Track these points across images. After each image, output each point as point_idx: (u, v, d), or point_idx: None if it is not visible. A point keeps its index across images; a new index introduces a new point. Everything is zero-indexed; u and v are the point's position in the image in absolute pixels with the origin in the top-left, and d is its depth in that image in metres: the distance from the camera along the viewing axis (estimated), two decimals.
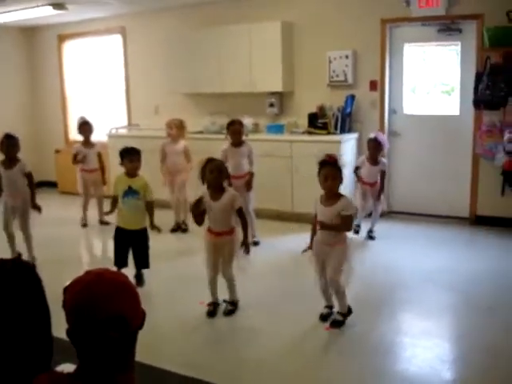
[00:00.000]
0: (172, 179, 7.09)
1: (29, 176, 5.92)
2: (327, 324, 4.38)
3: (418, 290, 5.10)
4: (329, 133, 7.28)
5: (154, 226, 5.33)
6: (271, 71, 7.62)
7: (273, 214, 7.47)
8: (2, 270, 1.69)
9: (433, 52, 7.32)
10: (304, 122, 7.61)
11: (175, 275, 5.64)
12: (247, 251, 4.59)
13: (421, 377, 3.66)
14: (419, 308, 4.78)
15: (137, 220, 5.27)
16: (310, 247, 4.38)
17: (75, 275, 1.63)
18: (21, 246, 6.07)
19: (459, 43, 6.94)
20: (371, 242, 6.57)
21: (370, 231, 6.66)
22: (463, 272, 5.49)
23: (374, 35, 7.21)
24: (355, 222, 6.41)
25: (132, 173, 5.28)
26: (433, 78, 7.38)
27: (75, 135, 7.96)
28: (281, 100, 8.02)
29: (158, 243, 5.67)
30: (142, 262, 5.36)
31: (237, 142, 6.34)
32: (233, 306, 4.70)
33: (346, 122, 7.32)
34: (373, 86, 7.35)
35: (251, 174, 6.38)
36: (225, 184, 4.57)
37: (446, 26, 6.87)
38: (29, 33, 10.20)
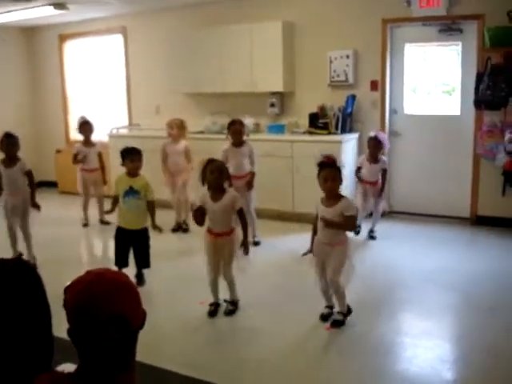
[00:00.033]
0: (173, 179, 7.09)
1: (29, 174, 5.93)
2: (328, 324, 4.38)
3: (419, 290, 5.10)
4: (329, 133, 7.28)
5: (155, 226, 5.34)
6: (272, 71, 7.62)
7: (274, 214, 7.47)
8: (2, 269, 1.69)
9: (434, 52, 7.32)
10: (305, 122, 7.61)
11: (176, 275, 5.64)
12: (246, 252, 4.59)
13: (421, 377, 3.65)
14: (420, 308, 4.78)
15: (138, 220, 5.27)
16: (311, 250, 4.38)
17: (76, 275, 1.63)
18: (20, 245, 6.08)
19: (460, 43, 6.94)
20: (372, 241, 6.57)
21: (371, 231, 6.65)
22: (464, 272, 5.48)
23: (375, 35, 7.21)
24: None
25: (133, 173, 5.28)
26: (433, 78, 7.38)
27: (76, 135, 7.97)
28: (282, 100, 8.02)
29: (158, 243, 5.67)
30: (143, 262, 5.36)
31: (238, 142, 6.34)
32: (233, 306, 4.70)
33: (346, 122, 7.32)
34: (373, 86, 7.35)
35: (252, 174, 6.38)
36: (225, 185, 4.57)
37: (447, 26, 6.87)
38: (30, 33, 10.20)
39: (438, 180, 7.24)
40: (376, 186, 6.51)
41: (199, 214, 4.49)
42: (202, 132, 8.23)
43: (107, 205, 5.96)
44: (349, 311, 4.43)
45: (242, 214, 4.59)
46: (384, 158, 6.55)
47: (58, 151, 10.02)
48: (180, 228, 7.21)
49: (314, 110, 7.50)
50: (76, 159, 7.52)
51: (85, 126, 7.62)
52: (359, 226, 6.53)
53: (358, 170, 6.54)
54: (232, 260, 4.58)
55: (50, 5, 7.49)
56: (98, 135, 8.36)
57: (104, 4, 7.84)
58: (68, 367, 1.70)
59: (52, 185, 10.10)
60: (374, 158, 6.44)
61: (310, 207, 4.49)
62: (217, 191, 4.50)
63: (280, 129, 7.85)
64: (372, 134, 6.52)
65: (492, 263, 5.72)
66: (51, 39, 10.07)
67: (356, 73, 7.43)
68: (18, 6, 7.43)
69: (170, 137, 7.11)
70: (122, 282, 1.62)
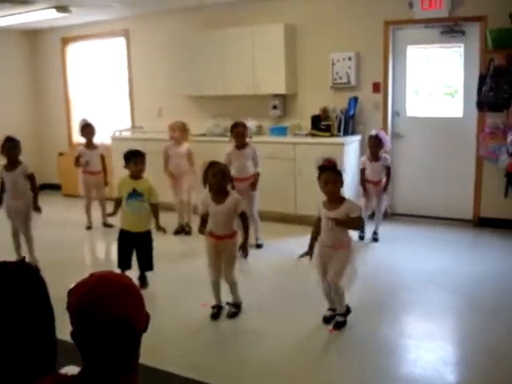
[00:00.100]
0: (175, 182, 7.10)
1: (31, 177, 5.93)
2: (330, 326, 4.38)
3: (421, 292, 5.09)
4: (332, 135, 7.28)
5: (159, 228, 5.35)
6: (274, 73, 7.63)
7: (276, 216, 7.47)
8: (6, 272, 1.70)
9: (436, 54, 7.32)
10: (307, 125, 7.61)
11: (179, 277, 5.65)
12: (245, 255, 4.58)
13: (424, 379, 3.65)
14: (422, 310, 4.78)
15: (141, 222, 5.28)
16: (308, 253, 4.37)
17: (79, 278, 1.64)
18: (23, 248, 6.09)
19: (462, 45, 6.94)
20: (374, 243, 6.57)
21: (375, 233, 6.65)
22: (466, 274, 5.48)
23: (377, 37, 7.21)
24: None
25: (136, 175, 5.29)
26: (436, 80, 7.38)
27: (79, 138, 7.98)
28: (284, 102, 8.03)
29: (161, 245, 5.67)
30: (146, 265, 5.37)
31: (240, 145, 6.35)
32: (236, 309, 4.71)
33: (349, 124, 7.32)
34: (376, 88, 7.35)
35: (257, 175, 6.39)
36: (228, 187, 4.57)
37: (449, 28, 6.86)
38: (32, 36, 10.23)
39: (441, 182, 7.24)
40: (379, 185, 6.51)
41: (203, 228, 4.54)
42: (204, 135, 8.23)
43: (110, 207, 5.97)
44: (348, 310, 4.43)
45: (244, 218, 4.59)
46: (386, 155, 6.55)
47: (61, 154, 10.04)
48: (183, 230, 7.21)
49: (317, 112, 7.50)
50: (78, 162, 7.53)
51: (87, 129, 7.63)
52: (363, 231, 6.56)
53: (363, 171, 6.52)
54: (233, 263, 4.58)
55: (52, 8, 7.51)
56: (101, 138, 8.38)
57: (106, 7, 7.85)
58: (71, 370, 1.70)
59: (55, 187, 10.11)
60: (374, 156, 6.45)
61: (312, 209, 4.49)
62: (219, 194, 4.50)
63: (282, 131, 7.85)
64: (373, 132, 6.54)
65: (495, 265, 5.72)
66: (54, 42, 10.10)
67: (358, 75, 7.43)
68: (21, 9, 7.45)
69: (173, 139, 7.12)
70: (126, 285, 1.63)
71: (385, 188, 6.57)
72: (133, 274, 5.05)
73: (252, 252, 6.09)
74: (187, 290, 5.29)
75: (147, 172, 5.41)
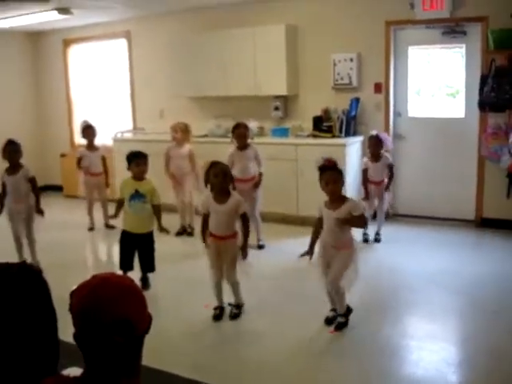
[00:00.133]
0: (177, 183, 7.10)
1: (32, 181, 5.93)
2: (332, 327, 4.38)
3: (423, 293, 5.09)
4: (334, 136, 7.27)
5: (162, 229, 5.36)
6: (276, 74, 7.63)
7: (278, 218, 7.47)
8: (8, 274, 1.70)
9: (437, 54, 7.32)
10: (309, 126, 7.61)
11: (181, 278, 5.65)
12: (244, 256, 4.57)
13: (427, 380, 3.65)
14: (424, 310, 4.77)
15: (143, 224, 5.29)
16: (309, 253, 4.37)
17: (81, 279, 1.64)
18: (24, 250, 6.09)
19: (464, 46, 6.94)
20: (377, 244, 6.57)
21: (377, 233, 6.65)
22: (468, 275, 5.48)
23: (379, 38, 7.22)
24: (363, 231, 6.44)
25: (139, 177, 5.29)
26: (437, 81, 7.38)
27: (80, 139, 7.99)
28: (285, 103, 8.03)
29: (163, 246, 5.68)
30: (148, 266, 5.37)
31: (242, 146, 6.36)
32: (238, 310, 4.71)
33: (350, 124, 7.32)
34: (377, 88, 7.35)
35: (260, 175, 6.41)
36: (230, 188, 4.57)
37: (451, 29, 6.86)
38: (34, 37, 10.24)
39: (443, 182, 7.24)
40: (381, 185, 6.51)
41: (205, 234, 4.57)
42: (206, 136, 8.24)
43: (112, 208, 5.98)
44: (349, 310, 4.43)
45: (245, 219, 4.59)
46: (386, 154, 6.54)
47: (63, 155, 10.05)
48: (185, 231, 7.22)
49: (318, 113, 7.50)
50: (79, 164, 7.54)
51: (88, 131, 7.64)
52: (367, 234, 6.57)
53: (365, 172, 6.52)
54: (235, 263, 4.58)
55: (54, 10, 7.52)
56: (103, 139, 8.39)
57: (108, 9, 7.86)
58: (74, 371, 1.70)
59: (57, 189, 10.13)
60: (375, 156, 6.45)
61: (314, 210, 4.48)
62: (221, 194, 4.51)
63: (284, 132, 7.85)
64: (373, 132, 6.54)
65: (497, 266, 5.71)
66: (55, 44, 10.11)
67: (360, 75, 7.43)
68: (23, 10, 7.46)
69: (174, 140, 7.12)
70: (128, 286, 1.63)
71: (387, 186, 6.57)
72: (135, 275, 5.07)
73: (254, 253, 6.11)
74: (189, 291, 5.29)
75: (148, 173, 5.42)
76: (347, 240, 4.29)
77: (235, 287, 4.67)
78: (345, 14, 7.39)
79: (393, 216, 7.39)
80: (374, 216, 6.71)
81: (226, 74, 7.95)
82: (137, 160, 5.28)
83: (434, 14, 6.75)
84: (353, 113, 7.35)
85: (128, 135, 9.19)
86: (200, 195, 6.14)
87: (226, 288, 4.70)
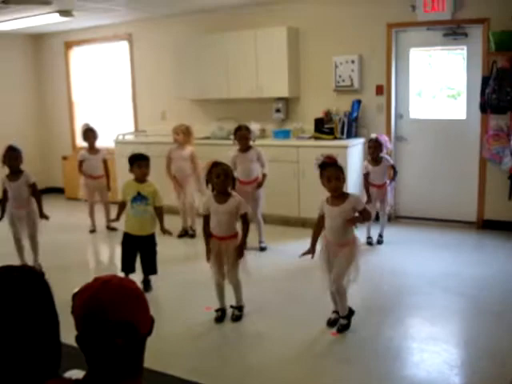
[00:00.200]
0: (178, 185, 7.10)
1: (33, 187, 5.93)
2: (334, 329, 4.38)
3: (425, 295, 5.08)
4: (335, 138, 7.27)
5: (165, 231, 5.36)
6: (277, 77, 7.64)
7: (279, 219, 7.47)
8: (10, 276, 1.70)
9: (439, 56, 7.32)
10: (310, 127, 7.61)
11: (182, 281, 5.65)
12: (239, 255, 4.53)
13: (429, 382, 3.65)
14: (426, 313, 4.76)
15: (145, 226, 5.29)
16: (310, 251, 4.37)
17: (83, 281, 1.65)
18: (26, 254, 6.10)
19: (465, 47, 6.94)
20: (378, 246, 6.57)
21: (380, 235, 6.65)
22: (470, 276, 5.47)
23: (380, 40, 7.22)
24: (366, 235, 6.44)
25: (141, 179, 5.30)
26: (439, 83, 7.38)
27: (82, 142, 7.99)
28: (287, 105, 8.04)
29: (165, 248, 5.68)
30: (150, 268, 5.37)
31: (244, 148, 6.37)
32: (240, 312, 4.70)
33: (352, 126, 7.32)
34: (379, 90, 7.35)
35: (264, 176, 6.42)
36: (229, 189, 4.57)
37: (452, 31, 6.86)
38: (36, 40, 10.26)
39: (444, 184, 7.23)
40: (382, 188, 6.50)
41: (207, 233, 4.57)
42: (208, 138, 8.24)
43: (114, 211, 5.98)
44: (351, 312, 4.42)
45: (245, 219, 4.58)
46: (386, 156, 6.54)
47: (65, 158, 10.06)
48: (186, 233, 7.22)
49: (320, 115, 7.51)
50: (81, 167, 7.54)
51: (89, 133, 7.63)
52: (370, 237, 6.58)
53: (366, 176, 6.51)
54: (237, 264, 4.57)
55: (56, 12, 7.53)
56: (104, 141, 8.40)
57: (109, 11, 7.87)
58: (76, 374, 1.71)
59: (59, 191, 10.14)
60: (375, 160, 6.44)
61: (315, 212, 4.47)
62: (222, 194, 4.51)
63: (286, 134, 7.85)
64: (373, 135, 6.54)
65: (499, 267, 5.71)
66: (57, 46, 10.13)
67: (361, 78, 7.43)
68: (24, 13, 7.48)
69: (176, 142, 7.13)
70: (130, 289, 1.63)
71: (393, 178, 6.63)
72: (136, 277, 5.07)
73: (256, 255, 6.14)
74: (191, 294, 5.29)
75: (151, 175, 5.42)
76: (349, 237, 4.28)
77: (237, 288, 4.67)
78: (346, 16, 7.39)
79: (394, 218, 7.39)
80: (377, 219, 6.70)
81: (228, 77, 7.96)
82: (139, 162, 5.28)
83: (436, 16, 6.75)
84: (354, 115, 7.35)
85: (130, 137, 9.19)
86: (202, 197, 6.16)
87: (228, 290, 4.70)
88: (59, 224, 7.66)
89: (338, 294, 4.32)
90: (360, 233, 4.68)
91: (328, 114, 7.47)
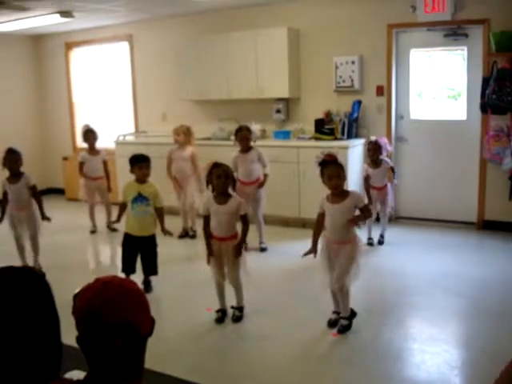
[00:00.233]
0: (179, 185, 7.10)
1: (33, 189, 5.93)
2: (335, 330, 4.38)
3: (426, 296, 5.08)
4: (335, 138, 7.28)
5: (165, 231, 5.36)
6: (278, 77, 7.65)
7: (280, 220, 7.47)
8: (11, 277, 1.70)
9: (439, 57, 7.32)
10: (311, 128, 7.61)
11: (183, 281, 5.65)
12: (237, 254, 4.52)
13: (429, 382, 3.64)
14: (427, 313, 4.76)
15: (145, 226, 5.29)
16: (312, 251, 4.36)
17: (84, 282, 1.65)
18: (27, 254, 6.10)
19: (465, 48, 6.94)
20: (379, 246, 6.57)
21: (381, 236, 6.66)
22: (471, 277, 5.47)
23: (381, 40, 7.22)
24: (367, 235, 6.44)
25: (142, 179, 5.30)
26: (439, 83, 7.39)
27: (83, 142, 7.99)
28: (287, 106, 8.04)
29: (165, 249, 5.69)
30: (151, 269, 5.37)
31: (245, 148, 6.37)
32: (240, 313, 4.70)
33: (352, 127, 7.32)
34: (379, 91, 7.35)
35: (265, 176, 6.42)
36: (229, 190, 4.57)
37: (453, 31, 6.87)
38: (36, 40, 10.27)
39: (445, 185, 7.24)
40: (383, 190, 6.50)
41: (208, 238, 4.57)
42: (209, 138, 8.25)
43: (115, 211, 5.99)
44: (353, 314, 4.42)
45: (245, 219, 4.58)
46: (386, 159, 6.53)
47: (65, 159, 10.06)
48: (187, 234, 7.22)
49: (320, 115, 7.51)
50: (82, 169, 7.53)
51: (89, 134, 7.63)
52: (371, 238, 6.59)
53: (367, 179, 6.49)
54: (237, 264, 4.58)
55: (56, 13, 7.54)
56: (105, 142, 8.40)
57: (110, 12, 7.88)
58: (77, 374, 1.71)
59: (59, 192, 10.15)
60: (374, 162, 6.44)
61: (316, 213, 4.47)
62: (223, 194, 4.51)
63: (286, 135, 7.86)
64: (372, 138, 6.54)
65: (499, 268, 5.71)
66: (58, 47, 10.13)
67: (362, 78, 7.44)
68: (24, 14, 7.48)
69: (177, 143, 7.13)
70: (131, 290, 1.63)
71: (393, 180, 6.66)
72: (137, 278, 5.07)
73: (256, 255, 6.14)
74: (191, 294, 5.29)
75: (151, 176, 5.42)
76: (350, 235, 4.27)
77: (238, 289, 4.67)
78: (347, 16, 7.40)
79: (395, 219, 7.39)
80: (377, 220, 6.71)
81: (229, 77, 7.97)
82: (140, 163, 5.29)
83: (436, 17, 6.76)
84: (355, 115, 7.36)
85: (130, 138, 9.20)
86: (202, 197, 6.15)
87: (228, 291, 4.70)
88: (60, 225, 7.66)
89: (341, 293, 4.32)
90: (361, 233, 4.67)
91: (328, 114, 7.47)
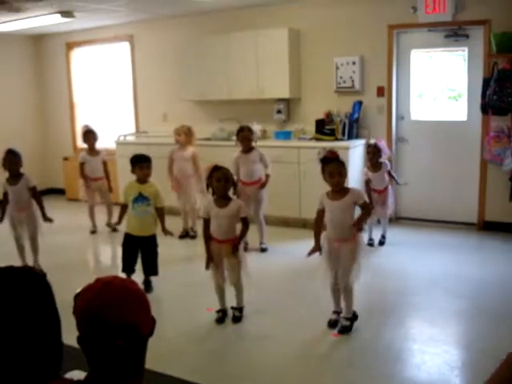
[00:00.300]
0: (179, 185, 7.10)
1: (33, 190, 5.93)
2: (335, 331, 4.38)
3: (426, 296, 5.09)
4: (336, 139, 7.28)
5: (166, 231, 5.36)
6: (278, 78, 7.65)
7: (280, 220, 7.47)
8: (11, 277, 1.70)
9: (440, 58, 7.32)
10: (311, 129, 7.61)
11: (183, 282, 5.65)
12: (234, 251, 4.49)
13: (430, 383, 3.64)
14: (427, 314, 4.76)
15: (146, 226, 5.29)
16: (316, 249, 4.34)
17: (84, 282, 1.65)
18: (27, 255, 6.11)
19: (466, 49, 6.94)
20: (380, 247, 6.57)
21: (383, 236, 6.66)
22: (471, 278, 5.47)
23: (381, 41, 7.22)
24: (367, 236, 6.43)
25: (143, 180, 5.30)
26: (440, 84, 7.39)
27: (82, 143, 7.99)
28: (288, 106, 8.04)
29: (166, 249, 5.69)
30: (151, 269, 5.38)
31: (247, 149, 6.37)
32: (240, 313, 4.70)
33: (353, 128, 7.32)
34: (380, 91, 7.35)
35: (267, 176, 6.42)
36: (230, 193, 4.56)
37: (453, 32, 6.87)
38: (37, 40, 10.27)
39: (445, 186, 7.24)
40: (383, 193, 6.50)
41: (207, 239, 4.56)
42: (209, 139, 8.25)
43: (116, 212, 5.99)
44: (355, 317, 4.42)
45: (245, 222, 4.58)
46: (386, 161, 6.53)
47: (66, 159, 10.07)
48: (187, 235, 7.22)
49: (321, 116, 7.51)
50: (82, 170, 7.53)
51: (88, 135, 7.63)
52: (372, 239, 6.59)
53: (367, 182, 6.45)
54: (238, 266, 4.58)
55: (57, 13, 7.54)
56: (106, 142, 8.40)
57: (111, 12, 7.88)
58: (77, 375, 1.71)
59: (60, 192, 10.15)
60: (374, 166, 6.43)
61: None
62: (223, 198, 4.51)
63: (287, 135, 7.86)
64: (372, 141, 6.54)
65: (499, 269, 5.71)
66: (58, 47, 10.13)
67: (362, 79, 7.44)
68: (26, 13, 7.48)
69: (178, 143, 7.13)
70: (132, 290, 1.63)
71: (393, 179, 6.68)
72: (137, 278, 5.07)
73: (257, 256, 6.14)
74: (192, 295, 5.30)
75: (152, 176, 5.42)
76: (351, 232, 4.26)
77: (239, 290, 4.67)
78: (347, 17, 7.40)
79: (396, 219, 7.39)
80: (378, 221, 6.71)
81: (229, 78, 7.97)
82: (140, 163, 5.29)
83: (437, 18, 6.76)
84: (355, 116, 7.36)
85: (131, 138, 9.20)
86: (203, 198, 6.15)
87: (228, 291, 4.70)
88: (60, 225, 7.64)
89: (346, 291, 4.32)
90: (363, 234, 4.66)
91: (329, 115, 7.47)
